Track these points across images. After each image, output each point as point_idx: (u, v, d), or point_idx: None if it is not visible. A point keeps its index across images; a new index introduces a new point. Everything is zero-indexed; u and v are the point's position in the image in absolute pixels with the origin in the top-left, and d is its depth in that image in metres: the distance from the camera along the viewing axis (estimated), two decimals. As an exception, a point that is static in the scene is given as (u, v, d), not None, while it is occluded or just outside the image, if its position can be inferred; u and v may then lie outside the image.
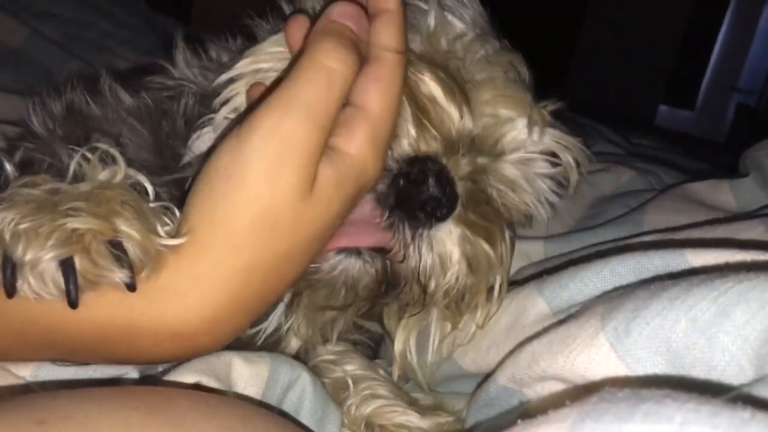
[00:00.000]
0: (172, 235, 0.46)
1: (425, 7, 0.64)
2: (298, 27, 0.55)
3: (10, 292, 0.43)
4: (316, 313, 0.63)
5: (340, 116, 0.49)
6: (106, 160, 0.49)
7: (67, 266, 0.42)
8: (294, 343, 0.65)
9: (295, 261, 0.49)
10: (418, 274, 0.58)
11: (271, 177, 0.45)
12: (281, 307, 0.62)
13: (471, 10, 0.67)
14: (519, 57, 0.67)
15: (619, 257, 0.53)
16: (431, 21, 0.64)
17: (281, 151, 0.45)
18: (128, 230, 0.44)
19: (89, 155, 0.48)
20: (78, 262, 0.42)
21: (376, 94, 0.50)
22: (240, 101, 0.59)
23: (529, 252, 0.74)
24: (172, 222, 0.47)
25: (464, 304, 0.62)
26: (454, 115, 0.59)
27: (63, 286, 0.42)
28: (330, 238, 0.52)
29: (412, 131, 0.57)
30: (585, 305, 0.52)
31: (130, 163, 0.50)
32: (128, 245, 0.44)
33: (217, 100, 0.60)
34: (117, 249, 0.44)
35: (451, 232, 0.58)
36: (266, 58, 0.59)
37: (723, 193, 0.71)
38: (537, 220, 0.72)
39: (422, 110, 0.58)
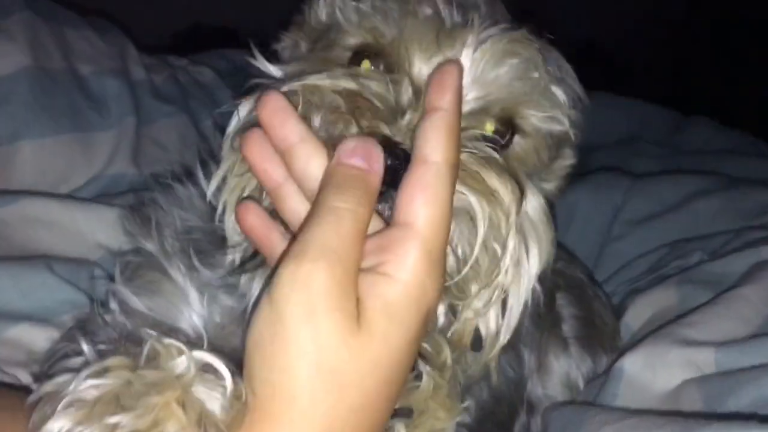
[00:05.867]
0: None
1: None
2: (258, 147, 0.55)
3: None
4: None
5: (386, 240, 0.48)
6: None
7: None
8: None
9: (376, 407, 0.47)
10: None
11: (307, 321, 0.44)
12: None
13: None
14: None
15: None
16: None
17: (307, 295, 0.44)
18: None
19: (162, 343, 0.49)
20: None
21: (423, 205, 0.48)
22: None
23: (698, 361, 0.66)
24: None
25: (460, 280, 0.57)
26: (383, 91, 0.57)
27: None
28: (405, 376, 0.49)
29: (354, 129, 0.55)
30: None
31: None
32: None
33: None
34: None
35: None
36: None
37: None
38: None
39: (355, 106, 0.56)
